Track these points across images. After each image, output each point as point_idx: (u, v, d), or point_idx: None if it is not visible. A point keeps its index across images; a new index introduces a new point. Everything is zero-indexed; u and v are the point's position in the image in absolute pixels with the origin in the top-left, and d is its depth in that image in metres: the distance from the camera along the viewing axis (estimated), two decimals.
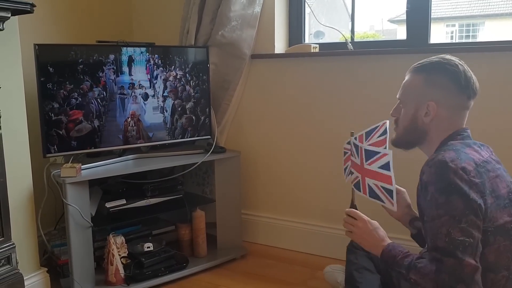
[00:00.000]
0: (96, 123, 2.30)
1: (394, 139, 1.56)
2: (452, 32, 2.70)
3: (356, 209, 1.57)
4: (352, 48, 2.54)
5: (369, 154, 1.47)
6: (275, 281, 2.36)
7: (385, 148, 1.46)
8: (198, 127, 2.65)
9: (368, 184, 1.50)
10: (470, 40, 2.60)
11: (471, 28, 2.68)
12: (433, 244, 1.27)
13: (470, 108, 1.47)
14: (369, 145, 1.50)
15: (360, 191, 1.56)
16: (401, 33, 2.57)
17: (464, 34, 2.67)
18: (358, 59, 2.47)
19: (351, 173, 1.62)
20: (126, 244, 2.34)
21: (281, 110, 2.71)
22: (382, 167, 1.44)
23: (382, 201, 1.48)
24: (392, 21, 2.79)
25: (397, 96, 1.55)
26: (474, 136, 2.17)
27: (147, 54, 2.43)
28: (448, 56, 1.47)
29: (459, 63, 1.44)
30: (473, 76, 1.44)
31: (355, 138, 1.57)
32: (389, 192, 1.44)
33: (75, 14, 2.76)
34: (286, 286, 2.31)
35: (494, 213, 1.29)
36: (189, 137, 2.64)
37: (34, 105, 2.16)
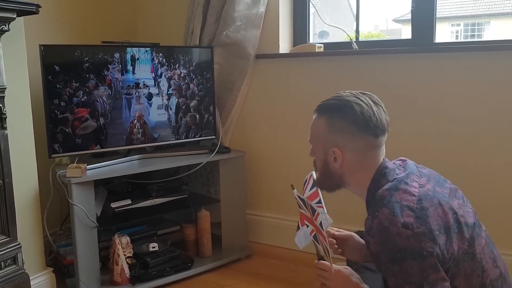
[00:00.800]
0: (102, 121, 2.31)
1: (317, 181, 1.49)
2: (457, 32, 2.69)
3: (324, 259, 1.47)
4: (357, 47, 2.53)
5: (313, 209, 1.41)
6: (280, 281, 2.36)
7: (319, 200, 1.45)
8: (203, 125, 2.65)
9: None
10: (476, 39, 2.59)
11: (476, 27, 2.67)
12: None
13: (382, 145, 1.37)
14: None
15: (318, 244, 1.47)
16: (405, 33, 2.57)
17: (469, 34, 2.66)
18: (363, 59, 2.47)
19: (307, 225, 1.51)
20: (131, 244, 2.34)
21: (286, 110, 2.71)
22: (320, 225, 1.39)
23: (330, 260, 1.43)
24: (396, 20, 2.78)
25: (308, 139, 1.46)
26: (483, 136, 2.18)
27: (152, 53, 2.44)
28: (343, 96, 1.36)
29: (356, 103, 1.33)
30: (376, 112, 1.33)
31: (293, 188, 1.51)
32: (327, 250, 1.40)
33: (80, 14, 2.77)
34: (291, 286, 2.31)
35: (450, 249, 1.22)
36: (194, 137, 2.64)
37: (40, 106, 2.17)
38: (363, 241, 1.56)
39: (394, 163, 1.41)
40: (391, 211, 1.22)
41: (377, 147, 1.36)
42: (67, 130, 2.21)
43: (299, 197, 1.47)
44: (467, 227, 1.27)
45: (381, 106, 1.37)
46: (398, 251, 1.18)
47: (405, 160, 1.44)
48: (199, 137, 2.67)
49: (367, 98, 1.36)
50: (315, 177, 1.49)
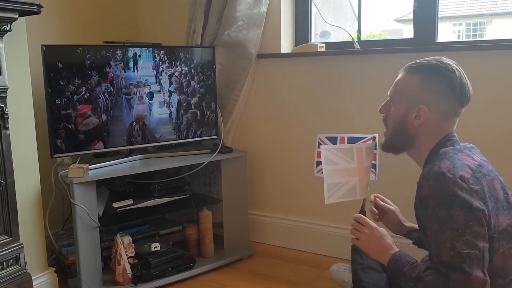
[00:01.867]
0: (103, 120, 2.31)
1: (383, 143, 1.53)
2: (459, 31, 2.68)
3: (365, 215, 1.54)
4: (358, 47, 2.53)
5: (357, 138, 1.53)
6: (282, 281, 2.36)
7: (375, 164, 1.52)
8: (204, 125, 2.66)
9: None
10: (478, 39, 2.58)
11: (478, 27, 2.66)
12: (438, 258, 1.25)
13: (461, 115, 1.44)
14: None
15: (356, 195, 1.54)
16: (407, 33, 2.56)
17: (471, 33, 2.66)
18: (365, 58, 2.47)
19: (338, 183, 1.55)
20: (133, 244, 2.34)
21: (287, 109, 2.71)
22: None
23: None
24: (398, 20, 2.78)
25: (388, 93, 1.50)
26: (485, 135, 2.17)
27: (154, 51, 2.44)
28: (445, 60, 1.42)
29: (456, 69, 1.39)
30: (469, 82, 1.41)
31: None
32: (374, 166, 1.47)
33: (82, 14, 2.77)
34: (293, 286, 2.31)
35: (496, 218, 1.27)
36: (196, 137, 2.64)
37: (42, 106, 2.17)
38: (402, 218, 1.65)
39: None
40: (452, 163, 1.28)
41: (457, 115, 1.43)
42: (70, 127, 2.21)
43: (340, 149, 1.51)
44: None
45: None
46: (449, 197, 1.23)
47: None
48: (201, 137, 2.67)
49: (462, 70, 1.41)
50: (377, 141, 1.54)
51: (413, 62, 1.45)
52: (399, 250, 1.42)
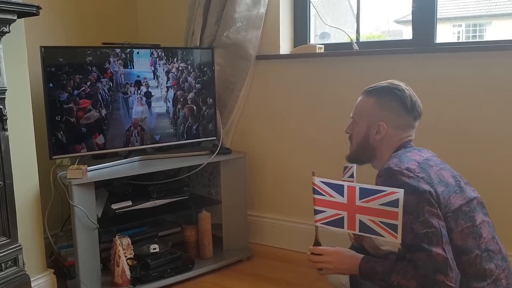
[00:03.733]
0: (102, 121, 2.31)
1: (348, 155, 1.67)
2: (459, 32, 2.68)
3: (320, 246, 1.57)
4: (357, 48, 2.53)
5: (367, 192, 1.42)
6: (281, 283, 2.35)
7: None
8: (203, 126, 2.66)
9: (360, 220, 1.45)
10: (477, 40, 2.58)
11: (477, 28, 2.67)
12: (404, 244, 1.36)
13: (415, 127, 1.61)
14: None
15: (342, 227, 1.50)
16: (407, 34, 2.56)
17: (471, 34, 2.66)
18: (363, 59, 2.47)
19: (320, 211, 1.53)
20: (132, 246, 2.34)
21: (286, 110, 2.71)
22: (387, 204, 1.38)
23: (381, 235, 1.42)
24: (398, 21, 2.78)
25: (351, 115, 1.66)
26: (484, 136, 2.17)
27: (154, 52, 2.44)
28: (396, 82, 1.60)
29: (406, 88, 1.58)
30: (418, 99, 1.58)
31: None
32: (393, 226, 1.38)
33: (81, 16, 2.78)
34: None
35: (447, 199, 1.38)
36: (195, 138, 2.64)
37: (40, 108, 2.17)
38: (378, 242, 1.69)
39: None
40: (399, 160, 1.46)
41: (412, 127, 1.60)
42: (69, 129, 2.21)
43: (329, 183, 1.51)
44: (468, 195, 1.45)
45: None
46: (399, 186, 1.35)
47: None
48: (200, 138, 2.67)
49: (410, 88, 1.61)
50: (355, 170, 1.67)
51: (369, 86, 1.64)
52: (363, 255, 1.49)
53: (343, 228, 1.52)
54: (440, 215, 1.35)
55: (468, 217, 1.40)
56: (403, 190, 1.39)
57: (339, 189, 1.49)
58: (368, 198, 1.43)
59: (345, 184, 1.47)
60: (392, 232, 1.40)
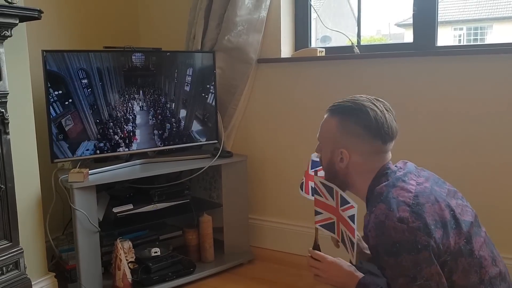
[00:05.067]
0: (104, 124, 2.31)
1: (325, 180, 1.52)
2: (460, 36, 2.68)
3: (320, 249, 1.50)
4: (358, 51, 2.53)
5: (344, 201, 1.41)
6: (282, 286, 2.35)
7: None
8: (205, 129, 2.66)
9: (342, 230, 1.46)
10: (478, 43, 2.58)
11: (479, 31, 2.66)
12: None
13: (388, 150, 1.42)
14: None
15: (333, 232, 1.50)
16: (408, 37, 2.56)
17: (472, 38, 2.65)
18: (364, 63, 2.47)
19: (319, 213, 1.54)
20: (133, 249, 2.34)
21: (287, 114, 2.71)
22: (350, 217, 1.39)
23: (347, 250, 1.44)
24: (399, 25, 2.78)
25: (317, 136, 1.50)
26: (485, 139, 2.17)
27: (155, 56, 2.45)
28: (360, 100, 1.40)
29: (371, 108, 1.37)
30: (388, 119, 1.38)
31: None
32: (352, 244, 1.39)
33: (82, 20, 2.78)
34: None
35: (447, 244, 1.25)
36: (196, 141, 2.65)
37: (42, 111, 2.18)
38: (363, 245, 1.58)
39: (395, 166, 1.44)
40: (387, 206, 1.26)
41: (383, 152, 1.41)
42: (70, 132, 2.22)
43: (324, 184, 1.48)
44: (464, 224, 1.30)
45: (392, 114, 1.42)
46: (394, 244, 1.22)
47: (406, 162, 1.47)
48: (201, 141, 2.67)
49: (381, 105, 1.40)
50: (313, 158, 1.59)
51: (334, 103, 1.45)
52: (363, 276, 1.40)
53: (334, 234, 1.48)
54: (440, 272, 1.22)
55: (467, 251, 1.28)
56: (357, 205, 1.35)
57: (330, 191, 1.47)
58: (344, 207, 1.41)
59: (334, 187, 1.45)
60: (351, 249, 1.40)
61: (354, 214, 1.36)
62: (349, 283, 1.40)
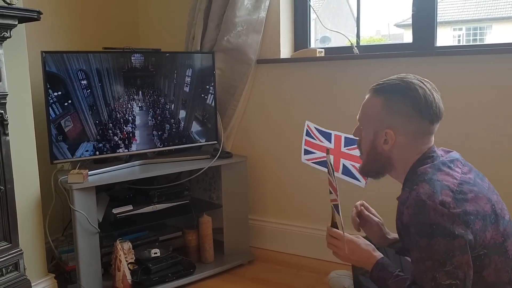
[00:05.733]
0: (103, 125, 2.31)
1: (361, 168, 1.48)
2: (459, 36, 2.68)
3: (337, 227, 1.48)
4: (358, 52, 2.53)
5: (351, 141, 1.67)
6: (282, 287, 2.35)
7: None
8: (204, 130, 2.66)
9: (344, 164, 1.68)
10: (478, 43, 2.58)
11: (478, 31, 2.66)
12: (421, 284, 1.22)
13: (434, 132, 1.37)
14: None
15: (339, 214, 1.49)
16: (407, 38, 2.57)
17: (471, 38, 2.66)
18: (364, 63, 2.47)
19: (311, 152, 1.78)
20: (133, 250, 2.34)
21: (287, 114, 2.71)
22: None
23: (358, 179, 1.71)
24: (398, 25, 2.78)
25: (357, 118, 1.45)
26: (485, 140, 2.17)
27: (155, 57, 2.45)
28: (408, 78, 1.35)
29: (420, 86, 1.32)
30: (436, 98, 1.33)
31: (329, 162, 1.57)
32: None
33: (81, 21, 2.78)
34: None
35: (483, 236, 1.22)
36: (195, 142, 2.64)
37: (41, 112, 2.18)
38: (386, 231, 1.58)
39: (440, 151, 1.41)
40: (431, 187, 1.22)
41: (429, 134, 1.36)
42: (70, 133, 2.22)
43: (331, 164, 1.50)
44: (503, 222, 1.28)
45: (439, 95, 1.36)
46: (430, 225, 1.18)
47: (449, 150, 1.43)
48: (201, 142, 2.67)
49: (429, 84, 1.35)
50: (308, 125, 1.80)
51: (377, 82, 1.38)
52: (382, 257, 1.39)
53: (340, 215, 1.49)
54: (470, 263, 1.18)
55: (502, 250, 1.25)
56: (331, 157, 1.48)
57: (327, 136, 1.73)
58: (352, 146, 1.62)
59: (332, 132, 1.71)
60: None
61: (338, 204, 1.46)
62: (367, 262, 1.39)
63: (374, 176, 1.47)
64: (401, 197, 1.30)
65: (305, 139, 1.78)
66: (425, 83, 1.34)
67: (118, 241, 2.25)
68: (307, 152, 1.77)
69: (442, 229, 1.18)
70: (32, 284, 1.94)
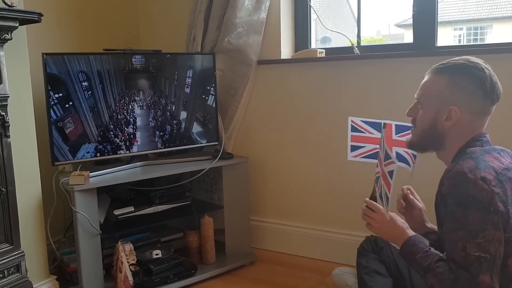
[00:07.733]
0: (104, 127, 2.31)
1: (410, 141, 1.52)
2: (460, 36, 2.68)
3: (376, 201, 1.53)
4: (358, 52, 2.53)
5: (387, 156, 1.48)
6: (284, 287, 2.35)
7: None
8: (205, 131, 2.66)
9: (381, 185, 1.51)
10: (478, 43, 2.58)
11: (479, 31, 2.66)
12: (450, 255, 1.26)
13: (491, 114, 1.42)
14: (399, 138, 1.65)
15: (376, 186, 1.57)
16: (408, 38, 2.56)
17: (472, 38, 2.65)
18: (364, 63, 2.47)
19: (358, 147, 1.73)
20: (134, 252, 2.34)
21: (288, 115, 2.71)
22: (389, 173, 1.44)
23: (409, 164, 1.65)
24: (399, 25, 2.78)
25: (415, 96, 1.48)
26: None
27: (156, 58, 2.45)
28: (473, 59, 1.39)
29: (485, 67, 1.37)
30: (498, 80, 1.38)
31: (384, 127, 1.60)
32: (387, 199, 1.45)
33: (82, 22, 2.79)
34: None
35: None
36: (196, 143, 2.64)
37: (43, 114, 2.18)
38: (425, 218, 1.64)
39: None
40: (476, 163, 1.26)
41: (488, 114, 1.41)
42: (71, 135, 2.22)
43: (363, 121, 1.68)
44: None
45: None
46: (467, 197, 1.21)
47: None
48: (202, 143, 2.67)
49: (489, 67, 1.38)
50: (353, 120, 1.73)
51: (440, 63, 1.42)
52: (414, 234, 1.42)
53: (377, 186, 1.56)
54: (502, 241, 1.21)
55: None
56: (397, 162, 1.44)
57: (376, 126, 1.67)
58: (404, 133, 1.59)
59: (382, 121, 1.61)
60: (386, 203, 1.48)
61: (393, 170, 1.42)
62: (398, 238, 1.43)
63: (420, 150, 1.53)
64: (446, 170, 1.34)
65: (351, 135, 1.72)
66: (488, 66, 1.38)
67: (119, 243, 2.25)
68: (354, 148, 1.71)
69: (479, 203, 1.20)
70: (33, 286, 1.94)
